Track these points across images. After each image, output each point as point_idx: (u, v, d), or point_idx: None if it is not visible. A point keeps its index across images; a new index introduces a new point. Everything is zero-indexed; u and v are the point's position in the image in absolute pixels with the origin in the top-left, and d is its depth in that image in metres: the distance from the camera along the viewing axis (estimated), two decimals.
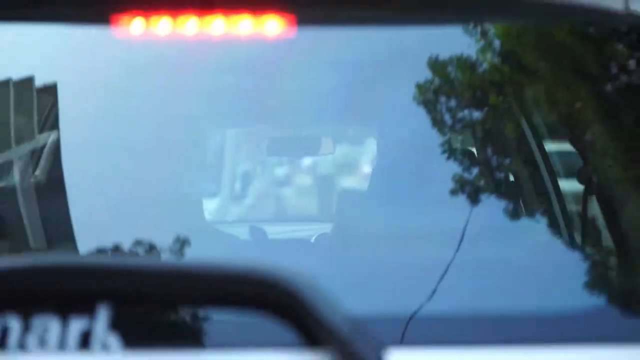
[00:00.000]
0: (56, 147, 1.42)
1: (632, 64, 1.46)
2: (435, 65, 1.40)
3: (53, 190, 1.37)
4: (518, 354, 1.15)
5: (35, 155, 1.43)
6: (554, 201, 1.37)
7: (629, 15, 1.42)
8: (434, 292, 1.26)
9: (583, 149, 1.38)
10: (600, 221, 1.31)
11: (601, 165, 1.29)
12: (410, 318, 1.17)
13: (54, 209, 1.33)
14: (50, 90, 1.45)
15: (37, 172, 1.44)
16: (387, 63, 1.43)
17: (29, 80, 1.46)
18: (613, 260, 1.27)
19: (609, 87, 1.46)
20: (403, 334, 1.12)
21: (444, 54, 1.41)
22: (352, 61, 1.44)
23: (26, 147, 1.45)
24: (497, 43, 1.44)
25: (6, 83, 1.45)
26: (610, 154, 1.29)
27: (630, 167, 1.29)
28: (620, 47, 1.49)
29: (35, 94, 1.46)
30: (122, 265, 1.04)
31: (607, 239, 1.28)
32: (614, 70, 1.48)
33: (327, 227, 1.59)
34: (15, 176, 1.42)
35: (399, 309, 1.18)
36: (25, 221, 1.35)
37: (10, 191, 1.41)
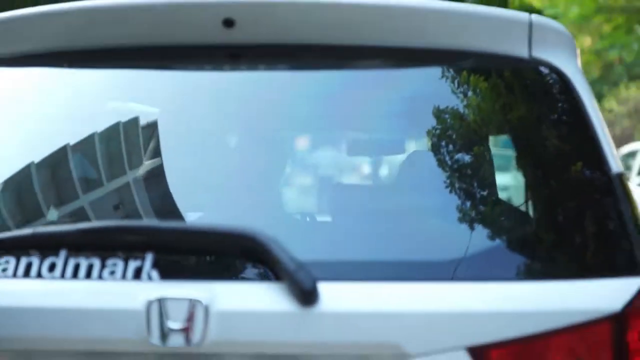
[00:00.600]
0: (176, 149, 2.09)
1: (536, 94, 2.09)
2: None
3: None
4: (434, 287, 1.77)
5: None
6: (491, 188, 2.05)
7: (532, 59, 2.05)
8: (363, 241, 1.89)
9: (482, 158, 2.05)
10: (510, 202, 2.11)
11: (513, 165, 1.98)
12: (336, 262, 1.82)
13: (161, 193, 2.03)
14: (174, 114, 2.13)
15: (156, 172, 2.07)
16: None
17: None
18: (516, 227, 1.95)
19: (520, 111, 2.05)
20: (332, 273, 1.77)
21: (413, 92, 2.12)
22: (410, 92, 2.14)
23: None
24: (443, 85, 2.06)
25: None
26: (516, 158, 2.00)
27: (528, 169, 2.00)
28: (526, 81, 2.09)
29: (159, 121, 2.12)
30: (161, 227, 1.82)
31: (510, 212, 2.00)
32: (523, 99, 2.08)
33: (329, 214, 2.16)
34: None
35: (331, 257, 1.84)
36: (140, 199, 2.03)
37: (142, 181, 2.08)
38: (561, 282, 1.80)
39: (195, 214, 1.96)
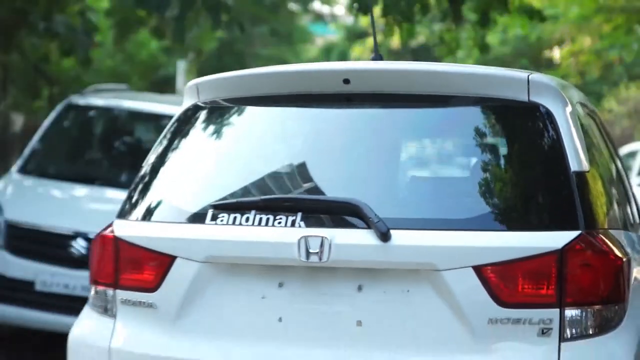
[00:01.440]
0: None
1: (531, 130, 3.48)
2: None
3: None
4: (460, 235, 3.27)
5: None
6: (496, 181, 3.48)
7: (530, 102, 3.47)
8: (420, 204, 3.45)
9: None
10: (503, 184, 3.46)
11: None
12: (400, 219, 3.31)
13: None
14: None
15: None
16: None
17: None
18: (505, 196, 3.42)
19: (519, 131, 3.51)
20: (398, 224, 3.28)
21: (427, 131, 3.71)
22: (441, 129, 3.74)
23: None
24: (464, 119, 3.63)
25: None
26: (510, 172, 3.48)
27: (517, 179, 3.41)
28: (525, 115, 3.49)
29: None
30: (305, 198, 3.46)
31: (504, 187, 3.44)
32: (522, 124, 3.51)
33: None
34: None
35: (397, 216, 3.32)
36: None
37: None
38: (529, 232, 3.28)
39: (326, 192, 3.51)
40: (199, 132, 3.84)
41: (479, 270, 3.24)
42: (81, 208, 7.70)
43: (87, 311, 3.96)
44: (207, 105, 3.86)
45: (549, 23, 19.42)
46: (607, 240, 3.31)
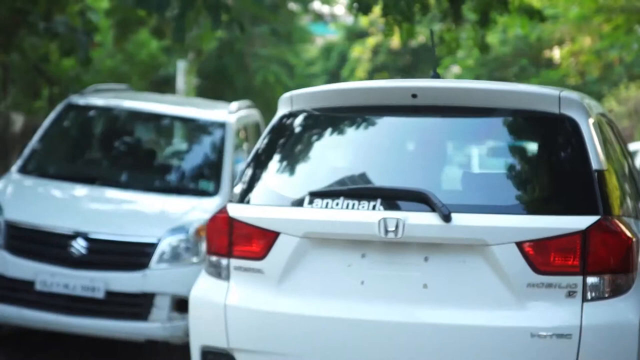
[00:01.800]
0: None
1: (561, 136, 4.40)
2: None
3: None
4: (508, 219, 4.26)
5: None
6: (530, 175, 4.54)
7: (560, 114, 4.41)
8: (475, 191, 4.48)
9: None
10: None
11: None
12: (459, 204, 4.28)
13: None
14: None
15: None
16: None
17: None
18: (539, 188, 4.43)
19: (550, 147, 4.47)
20: (457, 209, 4.26)
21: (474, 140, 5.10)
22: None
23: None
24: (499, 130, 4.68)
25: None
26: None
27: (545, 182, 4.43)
28: (556, 129, 4.41)
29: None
30: (384, 187, 4.43)
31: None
32: (552, 140, 4.44)
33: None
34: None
35: (456, 202, 4.31)
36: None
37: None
38: (559, 216, 4.21)
39: (400, 183, 4.41)
40: (293, 134, 4.84)
41: (520, 245, 4.19)
42: (81, 208, 7.70)
43: (203, 276, 4.83)
44: (299, 113, 4.84)
45: (549, 23, 19.41)
46: (620, 224, 4.23)
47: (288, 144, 4.81)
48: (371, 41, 38.20)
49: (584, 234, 4.15)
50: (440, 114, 4.59)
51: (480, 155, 5.21)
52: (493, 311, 4.21)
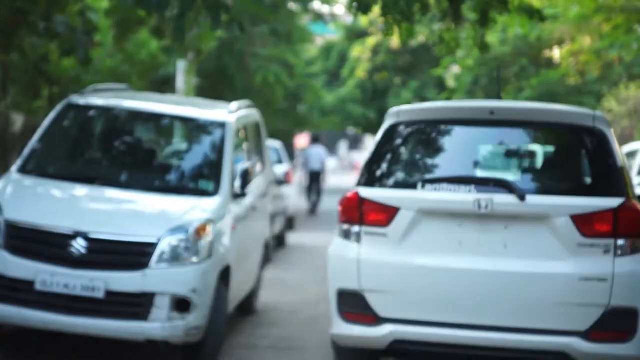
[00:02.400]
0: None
1: (596, 143, 6.54)
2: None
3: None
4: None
5: None
6: (572, 170, 6.86)
7: (594, 127, 6.55)
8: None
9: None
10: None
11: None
12: (527, 188, 6.49)
13: None
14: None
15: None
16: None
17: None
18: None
19: (590, 151, 6.60)
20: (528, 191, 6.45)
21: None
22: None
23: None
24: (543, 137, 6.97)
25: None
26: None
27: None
28: (592, 134, 6.55)
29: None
30: (475, 176, 6.61)
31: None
32: (591, 145, 6.57)
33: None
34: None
35: (525, 188, 6.46)
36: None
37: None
38: (598, 198, 6.28)
39: (486, 174, 6.58)
40: (401, 138, 6.78)
41: (572, 217, 6.25)
42: (81, 208, 7.70)
43: (338, 240, 6.63)
44: (404, 123, 6.79)
45: (548, 23, 19.39)
46: (636, 204, 6.31)
47: (399, 145, 6.77)
48: (371, 41, 38.17)
49: (615, 210, 6.24)
50: (511, 126, 6.71)
51: (540, 154, 6.83)
52: (553, 263, 6.26)
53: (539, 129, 6.75)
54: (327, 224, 22.74)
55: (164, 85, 21.78)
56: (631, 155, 15.23)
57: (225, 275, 7.91)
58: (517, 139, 6.71)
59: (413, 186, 6.49)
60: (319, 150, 26.99)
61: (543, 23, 11.07)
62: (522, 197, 6.25)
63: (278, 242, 16.71)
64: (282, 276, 13.05)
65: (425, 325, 6.30)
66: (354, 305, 6.44)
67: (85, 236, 7.21)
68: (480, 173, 6.57)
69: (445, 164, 6.64)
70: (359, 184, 6.60)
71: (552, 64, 26.83)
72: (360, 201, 6.48)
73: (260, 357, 8.19)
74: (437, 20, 11.04)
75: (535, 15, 10.35)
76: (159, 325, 7.14)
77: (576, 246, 6.19)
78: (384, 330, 6.35)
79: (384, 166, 6.65)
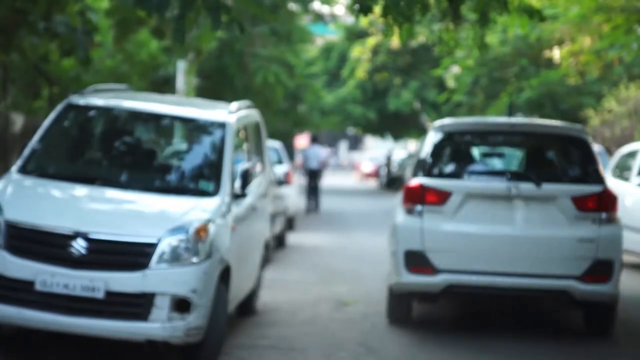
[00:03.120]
0: None
1: (581, 147, 9.63)
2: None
3: None
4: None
5: None
6: (588, 167, 9.68)
7: (581, 137, 9.64)
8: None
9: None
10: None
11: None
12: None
13: None
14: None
15: None
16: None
17: None
18: None
19: (579, 156, 9.73)
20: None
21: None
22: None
23: None
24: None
25: None
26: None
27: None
28: (579, 144, 9.64)
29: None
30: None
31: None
32: (579, 149, 9.68)
33: None
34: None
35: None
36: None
37: None
38: (588, 185, 9.27)
39: (512, 168, 10.94)
40: (447, 142, 9.67)
41: (572, 198, 9.08)
42: (81, 208, 7.69)
43: (403, 216, 9.31)
44: (448, 133, 9.68)
45: (548, 23, 19.38)
46: (611, 190, 9.22)
47: (441, 147, 9.61)
48: (371, 41, 38.16)
49: (599, 194, 9.16)
50: (526, 136, 10.07)
51: (547, 155, 10.13)
52: (559, 229, 9.09)
53: (545, 137, 10.01)
54: (327, 224, 22.71)
55: (164, 85, 21.78)
56: (631, 155, 15.22)
57: (225, 275, 7.91)
58: (530, 144, 10.09)
59: (459, 176, 9.44)
60: (317, 150, 27.58)
61: (543, 23, 11.07)
62: (538, 185, 9.14)
63: (278, 242, 16.70)
64: (282, 276, 13.05)
65: (469, 274, 9.06)
66: (418, 261, 9.13)
67: (85, 236, 7.21)
68: (507, 167, 10.99)
69: (482, 161, 10.23)
70: (418, 175, 9.43)
71: (552, 64, 26.82)
72: (422, 187, 9.23)
73: (260, 357, 8.19)
74: (437, 20, 11.04)
75: (535, 15, 10.35)
76: (159, 325, 7.14)
77: (574, 218, 9.11)
78: (440, 278, 9.09)
79: (435, 163, 9.47)
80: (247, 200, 8.86)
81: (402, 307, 9.72)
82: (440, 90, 35.10)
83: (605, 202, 9.10)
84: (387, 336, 9.25)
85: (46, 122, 8.51)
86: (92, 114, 8.86)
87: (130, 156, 8.66)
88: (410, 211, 9.23)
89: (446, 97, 30.96)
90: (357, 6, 9.34)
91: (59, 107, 8.66)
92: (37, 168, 8.15)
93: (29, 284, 7.13)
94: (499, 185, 9.16)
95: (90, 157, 8.73)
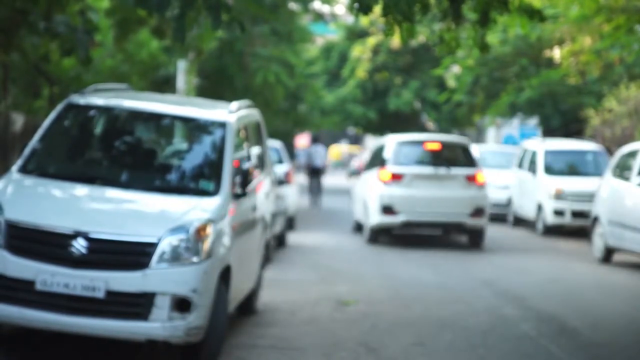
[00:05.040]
0: None
1: (466, 151, 18.35)
2: None
3: None
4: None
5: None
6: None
7: (463, 144, 18.56)
8: None
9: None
10: None
11: None
12: None
13: None
14: None
15: None
16: None
17: None
18: None
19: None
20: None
21: None
22: None
23: None
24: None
25: None
26: None
27: None
28: (465, 149, 18.51)
29: None
30: None
31: None
32: (462, 152, 18.60)
33: None
34: None
35: None
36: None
37: None
38: (470, 168, 17.56)
39: (431, 162, 17.91)
40: (399, 148, 17.71)
41: (465, 175, 17.33)
42: (81, 208, 7.69)
43: (381, 185, 17.03)
44: (399, 143, 17.86)
45: (549, 23, 19.40)
46: (481, 170, 17.73)
47: (400, 150, 17.51)
48: (371, 41, 38.14)
49: (476, 173, 17.35)
50: (434, 146, 17.92)
51: (454, 154, 17.82)
52: (458, 191, 17.03)
53: (449, 145, 17.96)
54: (327, 223, 22.73)
55: (165, 85, 21.77)
56: (631, 155, 15.22)
57: (225, 275, 7.91)
58: (444, 148, 17.62)
59: (409, 165, 17.10)
60: (320, 149, 29.00)
61: (543, 23, 11.05)
62: (448, 169, 16.83)
63: (278, 242, 16.69)
64: (282, 276, 13.05)
65: (396, 215, 16.97)
66: (388, 209, 16.96)
67: (85, 236, 7.20)
68: (428, 162, 17.43)
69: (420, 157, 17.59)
70: (387, 165, 16.88)
71: (553, 64, 26.81)
72: (391, 172, 16.56)
73: (260, 357, 8.19)
74: (438, 20, 11.03)
75: (535, 15, 10.34)
76: (159, 325, 7.14)
77: (465, 186, 16.90)
78: (400, 218, 16.95)
79: (396, 158, 16.50)
80: (248, 200, 8.85)
81: (375, 236, 17.72)
82: (440, 90, 35.09)
83: (478, 177, 17.25)
84: (387, 336, 9.25)
85: (46, 122, 8.50)
86: (92, 114, 8.85)
87: (130, 156, 8.66)
88: (384, 184, 17.20)
89: (446, 97, 30.97)
90: (356, 5, 9.33)
91: (59, 107, 8.66)
92: (37, 168, 8.15)
93: (30, 284, 7.13)
94: (429, 169, 17.24)
95: (90, 156, 8.73)
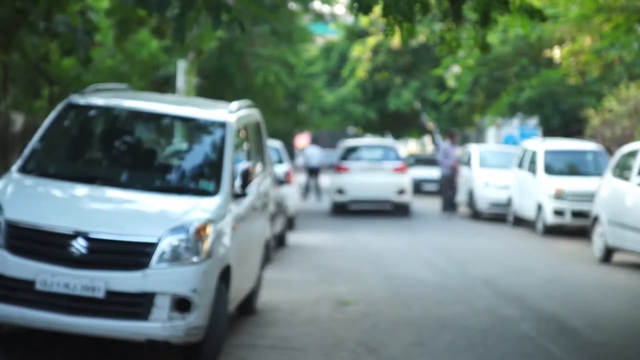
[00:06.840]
0: None
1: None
2: None
3: None
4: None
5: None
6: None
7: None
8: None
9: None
10: None
11: None
12: None
13: None
14: None
15: None
16: None
17: None
18: None
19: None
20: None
21: None
22: None
23: None
24: None
25: None
26: None
27: None
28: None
29: None
30: None
31: None
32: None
33: None
34: None
35: None
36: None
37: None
38: (392, 161, 25.34)
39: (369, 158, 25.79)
40: (347, 149, 25.97)
41: (392, 167, 24.78)
42: (81, 208, 7.69)
43: (336, 175, 24.85)
44: (347, 147, 26.14)
45: (549, 23, 19.37)
46: (404, 164, 25.61)
47: (348, 151, 25.77)
48: (371, 41, 38.15)
49: (401, 165, 24.94)
50: (373, 146, 27.16)
51: (382, 152, 26.14)
52: (386, 180, 24.48)
53: (380, 147, 26.35)
54: (327, 223, 22.75)
55: (164, 85, 21.77)
56: (631, 154, 15.22)
57: (225, 275, 7.91)
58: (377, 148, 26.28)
59: (352, 160, 25.07)
60: (317, 150, 31.00)
61: (544, 23, 11.05)
62: (381, 162, 24.57)
63: (278, 242, 16.69)
64: (282, 276, 13.05)
65: (345, 194, 24.66)
66: (340, 191, 24.62)
67: (85, 236, 7.20)
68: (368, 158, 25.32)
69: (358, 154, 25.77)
70: (340, 161, 25.19)
71: (553, 63, 26.81)
72: (341, 166, 24.56)
73: (260, 357, 8.19)
74: (438, 20, 11.02)
75: (536, 15, 10.33)
76: (159, 325, 7.14)
77: (392, 175, 24.23)
78: (348, 197, 24.58)
79: (346, 156, 25.15)
80: (248, 200, 8.85)
81: (338, 209, 24.83)
82: (440, 89, 35.11)
83: (402, 169, 24.06)
84: (387, 336, 9.25)
85: (46, 122, 8.50)
86: (92, 114, 8.85)
87: (130, 156, 8.66)
88: (337, 174, 24.41)
89: (447, 97, 30.99)
90: (356, 5, 9.33)
91: (59, 107, 8.66)
92: (37, 167, 8.15)
93: (30, 284, 7.13)
94: (367, 163, 24.37)
95: (90, 156, 8.73)
